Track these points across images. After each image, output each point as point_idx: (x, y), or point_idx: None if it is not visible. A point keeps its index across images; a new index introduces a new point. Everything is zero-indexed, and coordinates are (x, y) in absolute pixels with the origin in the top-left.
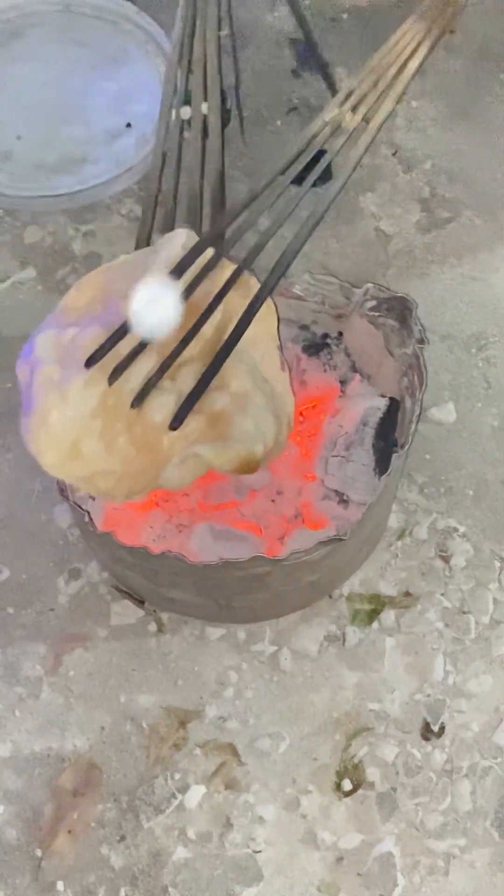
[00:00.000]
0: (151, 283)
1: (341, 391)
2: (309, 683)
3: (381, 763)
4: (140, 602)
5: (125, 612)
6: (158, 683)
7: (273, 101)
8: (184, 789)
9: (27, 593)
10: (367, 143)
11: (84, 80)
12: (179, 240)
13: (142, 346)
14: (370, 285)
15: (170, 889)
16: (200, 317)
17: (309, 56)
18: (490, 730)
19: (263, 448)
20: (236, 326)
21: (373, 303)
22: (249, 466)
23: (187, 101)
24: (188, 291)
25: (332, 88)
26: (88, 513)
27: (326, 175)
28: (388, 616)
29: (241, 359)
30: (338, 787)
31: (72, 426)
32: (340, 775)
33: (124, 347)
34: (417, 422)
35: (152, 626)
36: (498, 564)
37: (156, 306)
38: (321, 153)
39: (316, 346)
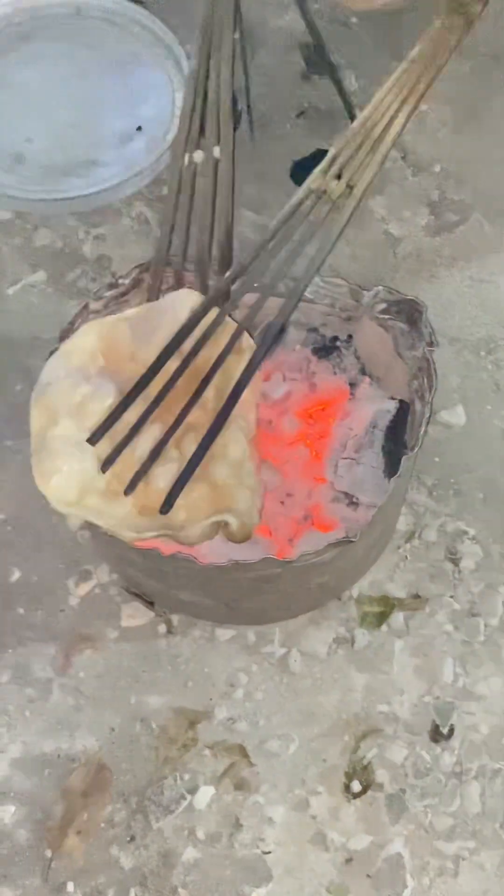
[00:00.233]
0: None
1: (351, 394)
2: (318, 685)
3: (390, 765)
4: (150, 604)
5: (135, 614)
6: (168, 685)
7: (283, 105)
8: (193, 790)
9: (37, 594)
10: (350, 209)
11: (95, 84)
12: (188, 303)
13: (147, 415)
14: (380, 288)
15: (179, 890)
16: (202, 382)
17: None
18: (499, 732)
19: (259, 517)
20: (233, 391)
21: (383, 305)
22: (248, 536)
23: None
24: (191, 356)
25: (342, 92)
26: None
27: None
28: (398, 618)
29: (238, 425)
30: (347, 788)
31: (79, 482)
32: (349, 776)
33: (131, 415)
34: (427, 424)
35: (162, 628)
36: None
37: None
38: (323, 153)
39: (326, 349)
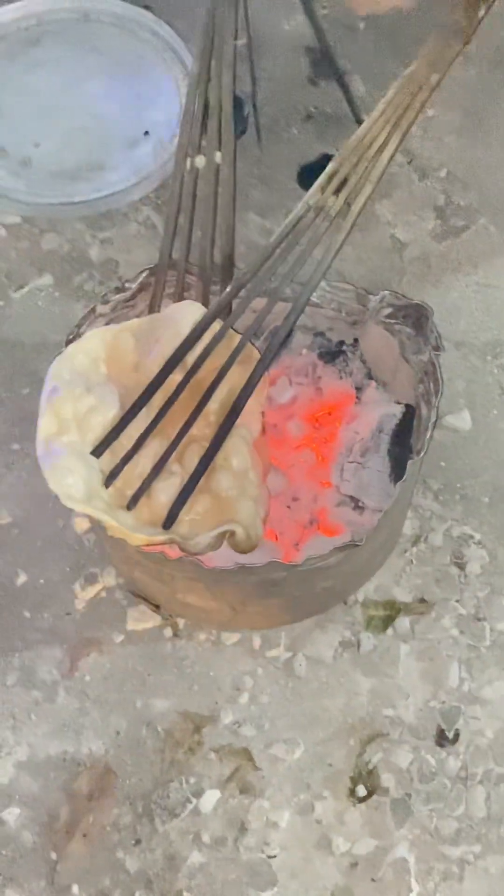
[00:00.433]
0: None
1: (357, 398)
2: (324, 689)
3: (395, 769)
4: (156, 607)
5: (141, 617)
6: (174, 688)
7: (289, 109)
8: (199, 794)
9: (43, 598)
10: (349, 226)
11: (102, 88)
12: (191, 316)
13: (149, 431)
14: (386, 292)
15: (184, 893)
16: (204, 395)
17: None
18: None
19: (263, 528)
20: (235, 402)
21: (389, 310)
22: (253, 547)
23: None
24: (193, 371)
25: (348, 97)
26: None
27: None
28: (403, 622)
29: (241, 435)
30: (352, 792)
31: (85, 488)
32: (355, 781)
33: (133, 428)
34: (433, 428)
35: (168, 632)
36: None
37: None
38: (328, 158)
39: (332, 353)
